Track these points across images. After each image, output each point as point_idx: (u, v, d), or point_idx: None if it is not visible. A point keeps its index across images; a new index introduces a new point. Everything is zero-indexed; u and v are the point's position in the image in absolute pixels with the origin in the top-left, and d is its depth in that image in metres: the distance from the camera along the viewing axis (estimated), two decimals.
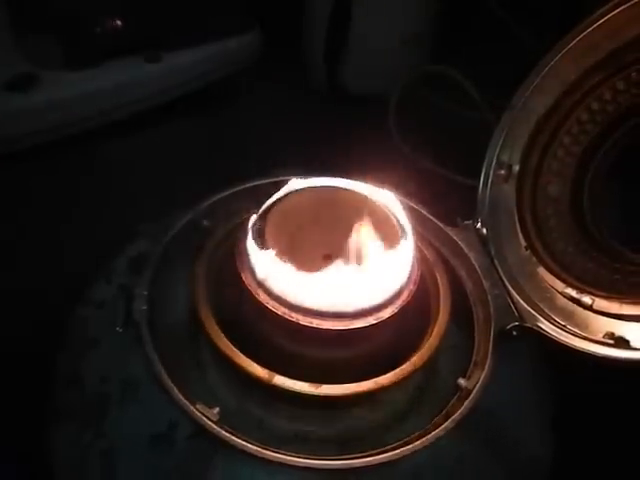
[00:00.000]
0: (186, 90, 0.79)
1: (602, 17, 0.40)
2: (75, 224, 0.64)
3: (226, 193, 0.47)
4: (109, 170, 0.72)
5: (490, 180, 0.48)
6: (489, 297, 0.43)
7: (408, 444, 0.34)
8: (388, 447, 0.34)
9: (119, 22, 0.75)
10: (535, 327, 0.41)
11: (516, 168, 0.46)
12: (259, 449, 0.33)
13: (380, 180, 0.42)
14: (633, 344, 0.37)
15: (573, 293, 0.41)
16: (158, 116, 0.78)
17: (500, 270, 0.44)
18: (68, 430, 0.38)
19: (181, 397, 0.34)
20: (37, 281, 0.57)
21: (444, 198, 0.51)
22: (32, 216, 0.65)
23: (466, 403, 0.37)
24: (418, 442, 0.34)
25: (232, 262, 0.37)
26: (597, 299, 0.40)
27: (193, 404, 0.34)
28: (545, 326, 0.41)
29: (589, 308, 0.41)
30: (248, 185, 0.48)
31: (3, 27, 0.77)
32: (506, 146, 0.47)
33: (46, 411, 0.41)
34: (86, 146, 0.73)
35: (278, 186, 0.41)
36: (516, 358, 0.43)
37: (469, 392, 0.37)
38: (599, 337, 0.39)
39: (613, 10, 0.39)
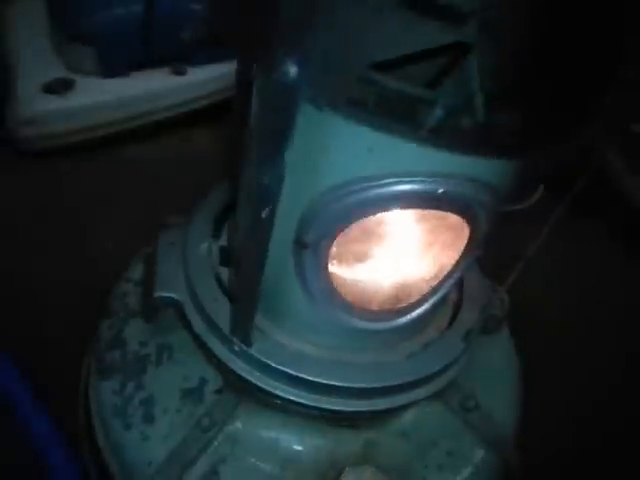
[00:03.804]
0: (207, 102, 0.87)
1: None
2: (109, 216, 0.72)
3: None
4: (135, 168, 0.80)
5: None
6: None
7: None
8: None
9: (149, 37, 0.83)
10: None
11: None
12: (286, 395, 0.40)
13: None
14: None
15: None
16: (182, 123, 0.86)
17: None
18: (112, 383, 0.45)
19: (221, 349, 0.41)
20: (80, 263, 0.65)
21: None
22: (70, 207, 0.73)
23: (443, 376, 0.44)
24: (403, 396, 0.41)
25: None
26: None
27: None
28: None
29: None
30: None
31: (43, 35, 0.85)
32: None
33: (89, 368, 0.49)
34: (116, 147, 0.81)
35: None
36: (492, 344, 0.51)
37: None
38: None
39: None
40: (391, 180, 0.30)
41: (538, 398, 0.51)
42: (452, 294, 0.46)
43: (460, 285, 0.46)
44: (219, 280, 0.43)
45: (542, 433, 0.56)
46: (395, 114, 0.25)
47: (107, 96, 0.82)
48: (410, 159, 0.29)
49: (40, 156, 0.80)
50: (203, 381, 0.44)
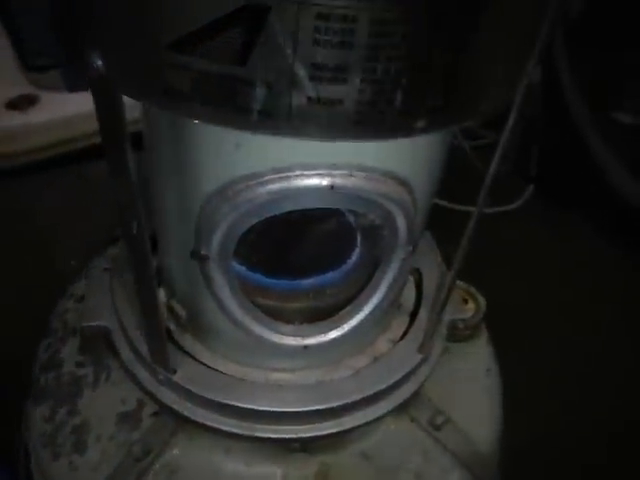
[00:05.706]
0: None
1: None
2: (75, 233, 0.69)
3: None
4: (102, 185, 0.77)
5: None
6: None
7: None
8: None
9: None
10: None
11: None
12: (219, 425, 0.36)
13: None
14: None
15: None
16: None
17: None
18: (43, 409, 0.41)
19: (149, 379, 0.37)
20: (45, 281, 0.62)
21: None
22: (35, 224, 0.71)
23: (405, 387, 0.39)
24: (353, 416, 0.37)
25: None
26: None
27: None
28: None
29: None
30: None
31: (6, 50, 0.83)
32: None
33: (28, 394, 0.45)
34: (80, 163, 0.78)
35: None
36: (467, 351, 0.46)
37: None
38: None
39: None
40: (271, 177, 0.26)
41: (528, 403, 0.47)
42: (407, 300, 0.42)
43: (418, 290, 0.42)
44: None
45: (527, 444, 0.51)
46: (215, 100, 0.21)
47: (72, 110, 0.79)
48: (280, 151, 0.25)
49: (5, 174, 0.77)
50: (141, 403, 0.40)
